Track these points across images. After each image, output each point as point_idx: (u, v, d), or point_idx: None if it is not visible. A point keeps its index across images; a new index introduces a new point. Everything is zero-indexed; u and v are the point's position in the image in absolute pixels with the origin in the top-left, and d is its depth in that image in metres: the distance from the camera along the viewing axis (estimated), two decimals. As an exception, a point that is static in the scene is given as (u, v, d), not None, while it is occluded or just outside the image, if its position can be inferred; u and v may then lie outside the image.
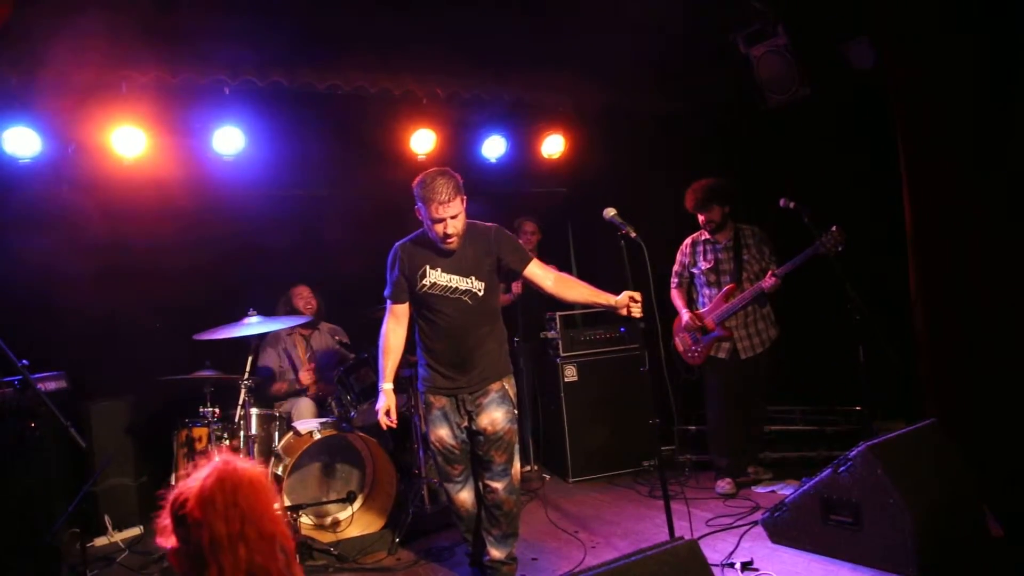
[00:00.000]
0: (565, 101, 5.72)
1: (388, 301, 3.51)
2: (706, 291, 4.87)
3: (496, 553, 3.55)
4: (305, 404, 4.95)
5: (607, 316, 5.71)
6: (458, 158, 5.55)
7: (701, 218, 4.80)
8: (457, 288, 3.38)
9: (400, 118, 5.36)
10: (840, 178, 5.14)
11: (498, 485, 3.48)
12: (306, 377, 5.10)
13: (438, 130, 5.43)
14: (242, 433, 4.34)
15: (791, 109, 5.25)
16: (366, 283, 5.06)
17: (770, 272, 4.57)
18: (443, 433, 3.49)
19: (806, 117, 5.27)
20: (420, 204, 3.28)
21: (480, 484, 3.57)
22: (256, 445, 4.32)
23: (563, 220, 6.85)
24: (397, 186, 5.43)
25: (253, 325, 4.28)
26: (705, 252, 4.87)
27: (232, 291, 5.07)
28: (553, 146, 5.94)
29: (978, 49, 4.10)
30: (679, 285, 5.00)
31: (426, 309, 3.45)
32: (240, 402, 4.29)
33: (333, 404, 4.74)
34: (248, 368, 4.31)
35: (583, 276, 6.37)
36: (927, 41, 4.24)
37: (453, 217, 3.24)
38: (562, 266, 5.38)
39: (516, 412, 3.54)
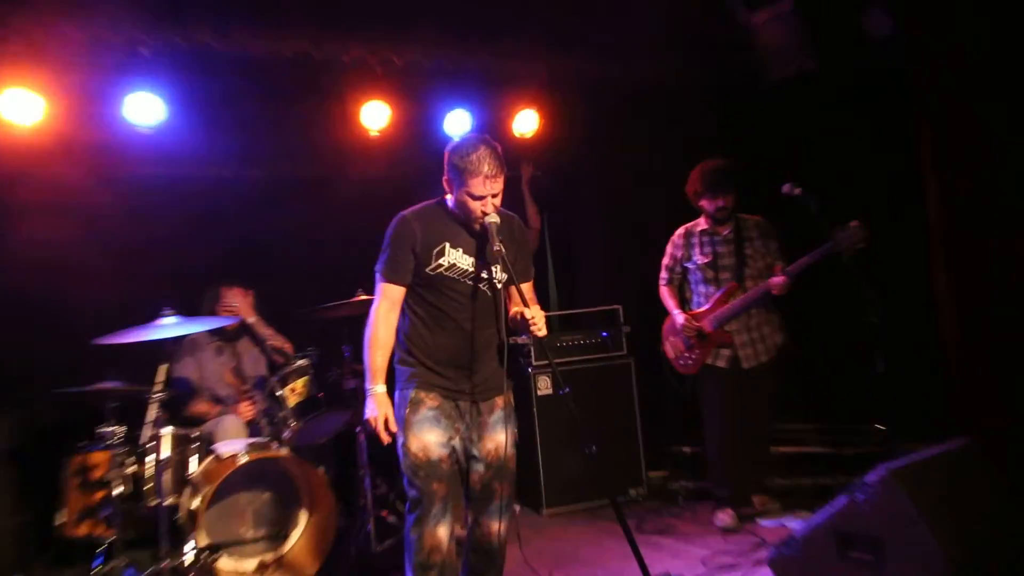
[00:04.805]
0: (540, 72, 5.33)
1: (382, 281, 3.02)
2: (701, 288, 4.54)
3: None
4: (230, 421, 4.34)
5: (585, 319, 5.44)
6: (416, 135, 5.23)
7: (710, 204, 4.43)
8: (478, 275, 3.04)
9: (349, 88, 4.95)
10: (850, 163, 4.89)
11: (499, 526, 3.09)
12: (247, 411, 4.49)
13: (393, 103, 5.03)
14: (150, 457, 3.83)
15: (796, 84, 4.95)
16: (306, 279, 4.86)
17: (778, 268, 4.23)
18: (431, 439, 2.93)
19: (813, 93, 4.99)
20: (455, 175, 2.96)
21: (471, 523, 3.10)
22: (169, 471, 3.81)
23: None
24: (344, 167, 5.26)
25: (169, 327, 3.72)
26: (702, 244, 4.52)
27: (144, 288, 4.49)
28: (526, 123, 5.57)
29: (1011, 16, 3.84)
30: (670, 282, 4.66)
31: (433, 295, 3.03)
32: (150, 420, 3.77)
33: (263, 421, 4.21)
34: (161, 379, 3.75)
35: (557, 264, 6.22)
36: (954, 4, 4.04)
37: (494, 195, 2.97)
38: (535, 256, 5.12)
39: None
